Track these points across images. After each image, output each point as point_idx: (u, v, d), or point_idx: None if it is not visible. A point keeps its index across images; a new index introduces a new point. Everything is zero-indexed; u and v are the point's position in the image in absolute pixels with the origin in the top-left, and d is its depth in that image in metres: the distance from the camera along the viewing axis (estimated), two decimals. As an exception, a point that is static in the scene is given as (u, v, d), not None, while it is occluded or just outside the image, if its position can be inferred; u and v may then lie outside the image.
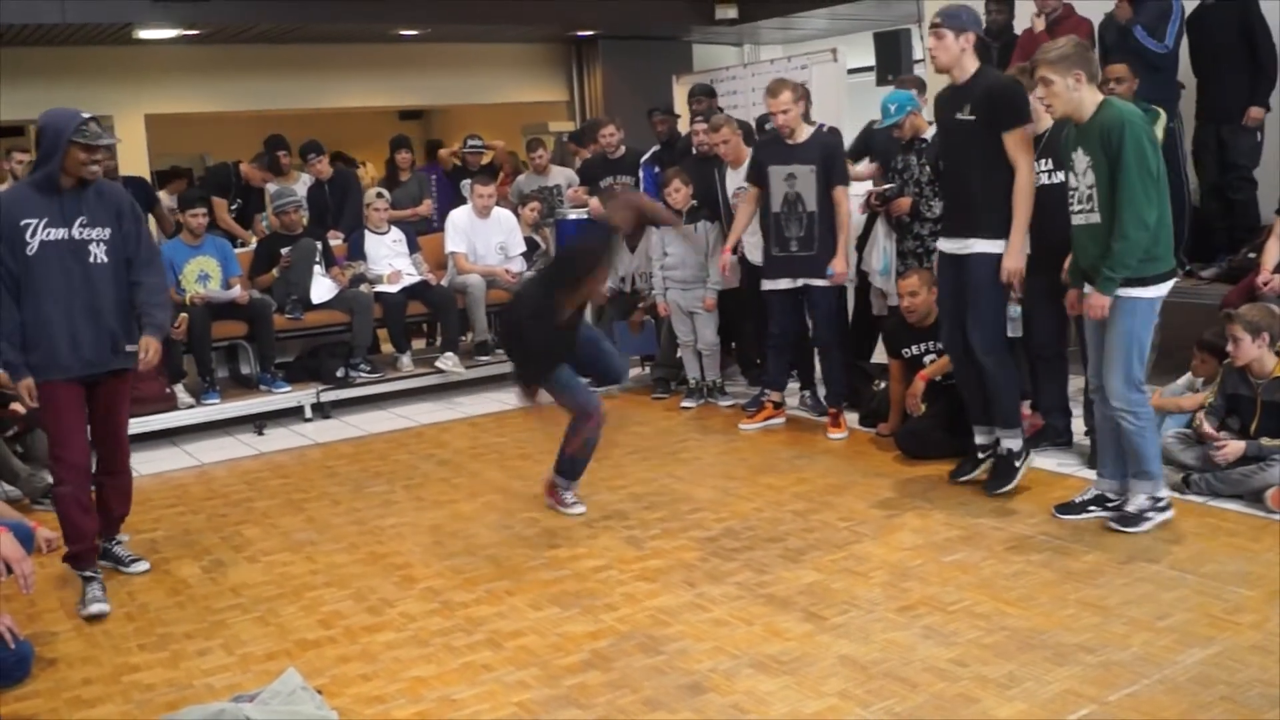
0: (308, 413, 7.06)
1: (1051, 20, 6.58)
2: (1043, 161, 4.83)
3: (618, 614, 3.78)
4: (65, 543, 4.06)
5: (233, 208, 8.58)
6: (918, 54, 9.11)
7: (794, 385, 6.45)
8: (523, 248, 7.85)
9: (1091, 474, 4.61)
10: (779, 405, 6.23)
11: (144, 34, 9.26)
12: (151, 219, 8.13)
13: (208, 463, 6.23)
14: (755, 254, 6.23)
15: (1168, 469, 4.66)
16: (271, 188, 8.36)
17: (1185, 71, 6.40)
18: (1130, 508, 4.29)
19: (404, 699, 3.26)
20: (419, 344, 8.55)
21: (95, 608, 4.01)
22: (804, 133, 5.80)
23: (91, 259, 4.03)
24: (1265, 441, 4.43)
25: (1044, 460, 5.10)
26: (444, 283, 7.67)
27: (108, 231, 4.06)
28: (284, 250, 7.29)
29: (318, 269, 7.32)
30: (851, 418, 6.06)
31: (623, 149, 7.69)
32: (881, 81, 8.87)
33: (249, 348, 7.17)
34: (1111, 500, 4.38)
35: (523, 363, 4.76)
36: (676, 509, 4.86)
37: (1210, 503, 4.49)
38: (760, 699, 3.13)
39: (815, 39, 11.96)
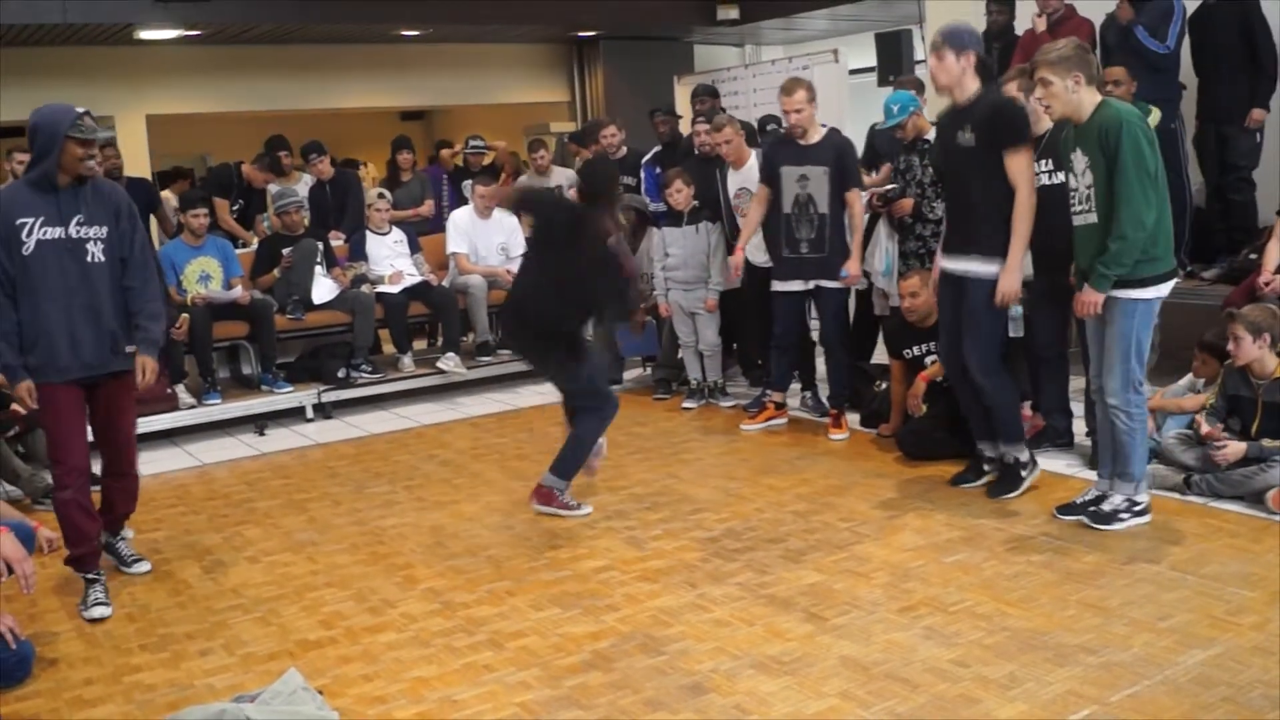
0: (309, 413, 7.07)
1: (1053, 21, 6.58)
2: (1043, 162, 4.83)
3: (619, 614, 3.78)
4: (67, 545, 4.03)
5: (234, 208, 8.58)
6: (919, 54, 9.10)
7: (795, 386, 6.44)
8: (524, 248, 7.85)
9: (1093, 475, 4.60)
10: (780, 406, 6.22)
11: (145, 34, 9.26)
12: (154, 220, 8.17)
13: (209, 463, 6.24)
14: (757, 255, 6.23)
15: (1169, 470, 4.67)
16: (273, 188, 8.35)
17: (1186, 72, 6.41)
18: (1106, 506, 4.31)
19: (405, 699, 3.26)
20: (420, 344, 8.56)
21: (97, 611, 4.01)
22: (816, 134, 5.79)
23: (89, 258, 3.95)
24: (1266, 442, 4.42)
25: (1045, 461, 5.09)
26: (445, 283, 7.67)
27: (105, 230, 3.99)
28: (285, 251, 7.29)
29: (319, 269, 7.33)
30: (853, 418, 6.06)
31: (624, 149, 7.69)
32: (883, 82, 8.88)
33: (250, 348, 7.18)
34: (1112, 501, 4.39)
35: (537, 337, 4.78)
36: (678, 509, 4.86)
37: (1211, 504, 4.49)
38: (761, 699, 3.14)
39: (816, 39, 11.97)
